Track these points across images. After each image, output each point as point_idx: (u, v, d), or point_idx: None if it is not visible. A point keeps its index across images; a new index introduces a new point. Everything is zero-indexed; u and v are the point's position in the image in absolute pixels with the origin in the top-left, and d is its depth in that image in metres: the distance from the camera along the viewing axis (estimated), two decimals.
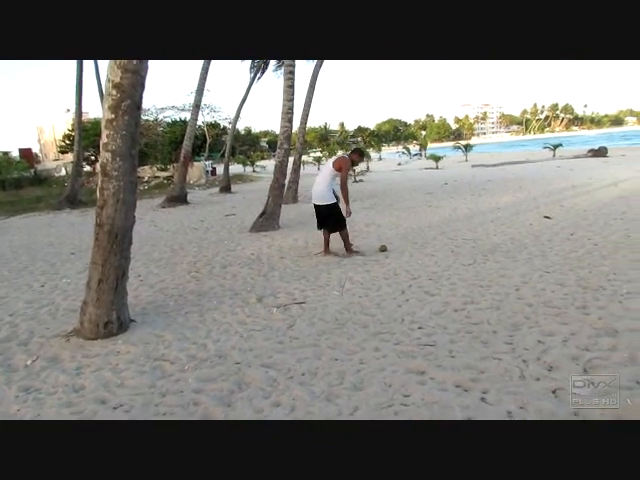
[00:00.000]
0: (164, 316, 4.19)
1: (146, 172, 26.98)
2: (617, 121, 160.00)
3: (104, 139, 3.46)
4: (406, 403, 2.53)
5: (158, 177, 26.68)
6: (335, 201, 5.94)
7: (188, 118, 19.28)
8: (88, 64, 16.07)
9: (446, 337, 3.36)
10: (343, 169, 5.77)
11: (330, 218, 5.93)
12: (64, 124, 56.44)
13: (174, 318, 4.12)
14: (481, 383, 2.68)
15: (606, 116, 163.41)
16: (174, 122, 34.76)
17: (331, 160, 6.02)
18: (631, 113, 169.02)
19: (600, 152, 26.15)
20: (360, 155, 6.22)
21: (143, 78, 3.49)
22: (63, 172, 31.05)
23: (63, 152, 42.37)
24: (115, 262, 3.62)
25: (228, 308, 4.31)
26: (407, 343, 3.31)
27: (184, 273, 5.78)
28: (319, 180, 5.96)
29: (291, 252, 6.63)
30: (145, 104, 3.65)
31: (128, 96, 3.39)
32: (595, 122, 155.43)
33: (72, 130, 29.69)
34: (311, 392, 2.70)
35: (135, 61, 3.35)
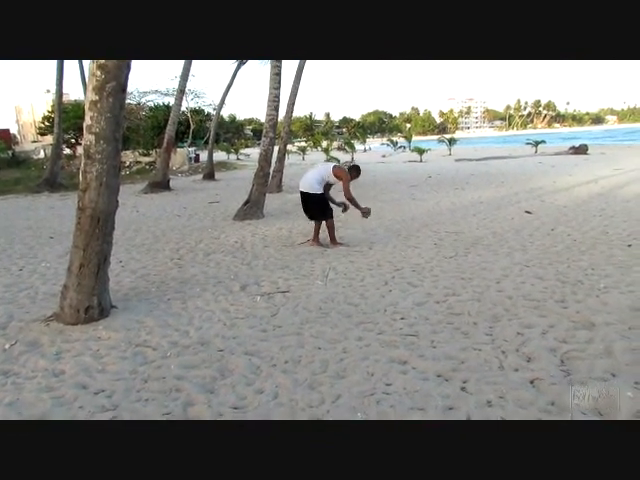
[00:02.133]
0: (146, 302, 4.15)
1: (128, 157, 26.46)
2: (598, 119, 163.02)
3: (88, 121, 3.38)
4: (388, 392, 2.56)
5: (140, 162, 26.23)
6: (322, 192, 6.00)
7: (172, 103, 19.00)
8: None
9: (428, 328, 3.41)
10: (344, 180, 5.84)
11: (315, 206, 6.02)
12: (44, 105, 54.82)
13: (156, 305, 4.08)
14: (461, 373, 2.73)
15: (587, 114, 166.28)
16: (157, 107, 34.13)
17: (330, 165, 6.25)
18: (611, 112, 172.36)
19: (581, 150, 26.60)
20: (357, 172, 6.21)
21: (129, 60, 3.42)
22: (42, 154, 30.26)
23: (42, 134, 41.34)
24: (97, 247, 3.56)
25: (211, 296, 4.29)
26: (390, 333, 3.35)
27: (167, 260, 5.73)
28: (310, 174, 6.05)
29: (275, 241, 6.61)
30: (128, 87, 3.56)
31: (113, 77, 3.31)
32: (577, 120, 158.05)
33: (52, 112, 28.97)
34: (294, 380, 2.72)
35: None
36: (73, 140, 29.65)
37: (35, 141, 48.20)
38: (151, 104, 34.03)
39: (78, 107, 25.97)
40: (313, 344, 3.21)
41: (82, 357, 3.06)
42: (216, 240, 6.86)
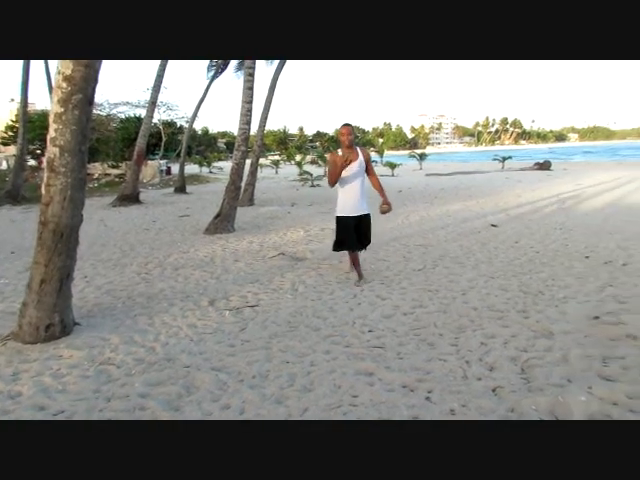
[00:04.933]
0: (111, 319, 4.06)
1: (96, 169, 25.91)
2: (561, 137, 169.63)
3: (52, 133, 3.32)
4: (355, 403, 2.58)
5: (109, 174, 25.72)
6: None
7: (143, 115, 18.74)
8: None
9: (395, 340, 3.46)
10: (370, 161, 4.83)
11: (369, 228, 4.93)
12: (7, 114, 53.34)
13: (122, 321, 4.00)
14: (426, 383, 2.78)
15: (551, 131, 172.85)
16: (128, 118, 33.71)
17: (360, 154, 4.73)
18: (573, 130, 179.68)
19: (545, 165, 27.63)
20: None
21: (97, 72, 3.38)
22: (4, 165, 29.30)
23: (5, 144, 40.05)
24: (59, 262, 3.47)
25: (179, 311, 4.23)
26: (357, 345, 3.38)
27: (134, 274, 5.62)
28: (358, 184, 4.71)
29: (245, 255, 6.58)
30: (98, 98, 3.53)
31: (79, 90, 3.27)
32: (541, 137, 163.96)
33: (16, 121, 28.18)
34: (261, 394, 2.70)
35: None
36: (39, 151, 28.88)
37: None
38: (122, 116, 33.57)
39: (44, 117, 25.32)
40: (281, 358, 3.21)
41: (41, 377, 2.95)
42: (185, 254, 6.78)
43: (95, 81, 3.42)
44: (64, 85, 3.27)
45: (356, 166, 4.63)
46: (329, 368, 3.02)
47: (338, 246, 4.88)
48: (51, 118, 3.35)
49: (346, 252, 5.16)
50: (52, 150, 3.34)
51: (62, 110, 3.30)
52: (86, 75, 3.30)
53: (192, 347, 3.42)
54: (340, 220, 4.77)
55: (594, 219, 8.71)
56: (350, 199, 4.70)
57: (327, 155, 27.98)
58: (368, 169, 4.79)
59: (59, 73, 3.29)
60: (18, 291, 4.79)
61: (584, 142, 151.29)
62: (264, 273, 5.51)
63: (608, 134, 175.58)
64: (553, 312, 3.90)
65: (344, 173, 4.60)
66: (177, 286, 5.07)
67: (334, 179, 4.66)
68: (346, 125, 4.67)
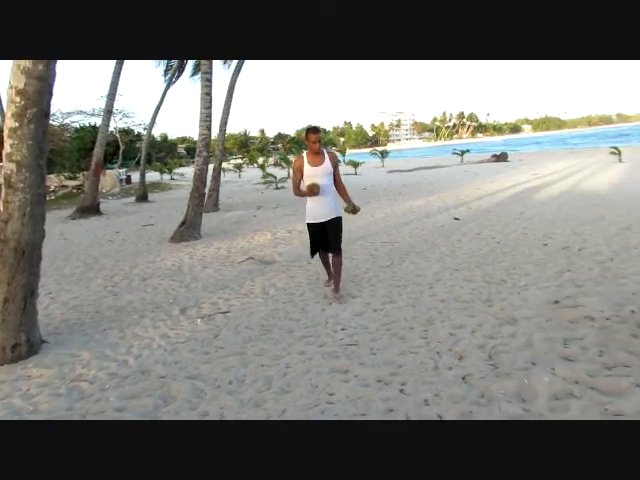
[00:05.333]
0: (80, 334, 3.98)
1: (52, 181, 25.01)
2: (515, 128, 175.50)
3: (7, 149, 3.24)
4: (331, 401, 2.64)
5: (66, 186, 24.90)
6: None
7: (98, 124, 18.28)
8: None
9: (367, 336, 3.54)
10: (337, 167, 4.52)
11: (340, 231, 4.59)
12: None
13: (91, 336, 3.92)
14: (400, 376, 2.87)
15: (506, 124, 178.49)
16: (82, 127, 32.80)
17: (326, 158, 4.38)
18: (527, 121, 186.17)
19: (502, 157, 28.56)
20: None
21: (51, 85, 3.31)
22: None
23: None
24: (22, 280, 3.39)
25: (150, 322, 4.18)
26: (331, 344, 3.44)
27: (100, 288, 5.51)
28: (324, 189, 4.33)
29: (214, 261, 6.55)
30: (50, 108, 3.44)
31: (34, 103, 3.20)
32: (497, 129, 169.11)
33: None
34: (239, 400, 2.73)
35: (42, 66, 3.18)
36: None
37: None
38: (76, 125, 32.62)
39: None
40: (257, 362, 3.24)
41: (10, 399, 2.87)
42: (152, 264, 6.68)
43: (50, 94, 3.35)
44: (17, 99, 3.20)
45: (322, 171, 4.33)
46: (305, 368, 3.07)
47: (312, 251, 4.69)
48: (6, 133, 3.26)
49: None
50: (9, 166, 3.26)
51: (17, 125, 3.22)
52: (40, 88, 3.23)
53: (166, 357, 3.40)
54: (309, 227, 4.58)
55: (550, 207, 9.09)
56: (317, 205, 4.40)
57: (291, 158, 27.94)
58: (335, 175, 4.44)
59: (11, 87, 3.21)
60: None
61: (537, 133, 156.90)
62: (234, 278, 5.51)
63: (559, 124, 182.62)
64: (516, 299, 4.07)
65: (310, 178, 4.30)
66: (146, 297, 5.00)
67: (296, 192, 4.44)
68: (314, 131, 4.26)
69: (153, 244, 8.43)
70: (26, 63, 3.14)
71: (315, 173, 4.33)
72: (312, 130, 4.29)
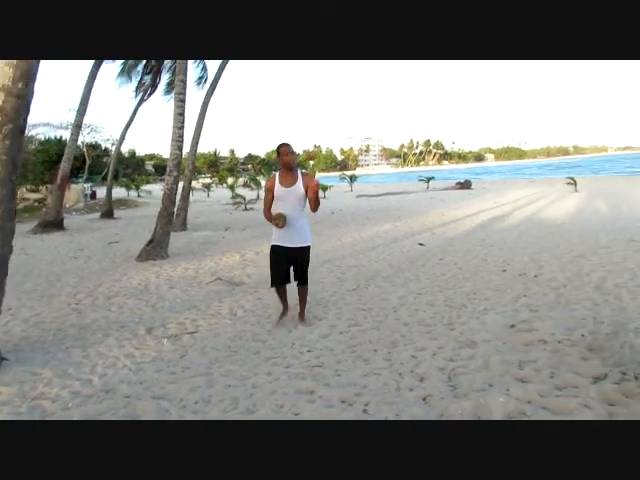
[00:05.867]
0: (41, 352, 3.91)
1: None
2: (479, 157, 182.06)
3: None
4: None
5: (27, 199, 24.22)
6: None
7: (65, 137, 18.00)
8: None
9: (333, 358, 3.63)
10: (315, 185, 4.06)
11: (307, 261, 4.42)
12: None
13: (53, 354, 3.86)
14: (363, 397, 2.96)
15: (470, 152, 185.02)
16: (48, 140, 32.13)
17: (299, 180, 4.14)
18: (490, 150, 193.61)
19: (466, 185, 29.55)
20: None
21: (29, 103, 3.34)
22: None
23: None
24: None
25: (114, 341, 4.14)
26: (297, 366, 3.51)
27: (63, 305, 5.40)
28: (294, 214, 4.13)
29: (181, 281, 6.52)
30: None
31: (10, 120, 3.22)
32: (462, 157, 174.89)
33: None
34: (205, 420, 2.76)
35: (21, 85, 3.20)
36: None
37: None
38: (41, 137, 31.90)
39: None
40: (223, 382, 3.27)
41: None
42: (118, 282, 6.59)
43: (27, 111, 3.38)
44: None
45: (293, 194, 4.10)
46: (271, 389, 3.13)
47: (273, 280, 4.36)
48: None
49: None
50: None
51: None
52: (17, 105, 3.26)
53: (131, 377, 3.39)
54: (272, 250, 4.29)
55: (510, 235, 9.50)
56: (286, 228, 4.12)
57: (261, 179, 27.86)
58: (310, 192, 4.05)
59: None
60: None
61: (499, 162, 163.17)
62: (201, 299, 5.51)
63: (520, 154, 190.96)
64: (475, 323, 4.26)
65: (280, 200, 4.12)
66: (111, 316, 4.94)
67: (266, 214, 4.24)
68: (286, 145, 4.12)
69: (119, 262, 8.30)
70: (6, 81, 3.16)
71: (285, 195, 4.10)
72: (284, 144, 4.14)
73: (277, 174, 4.21)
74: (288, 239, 4.20)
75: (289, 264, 4.28)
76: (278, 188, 4.13)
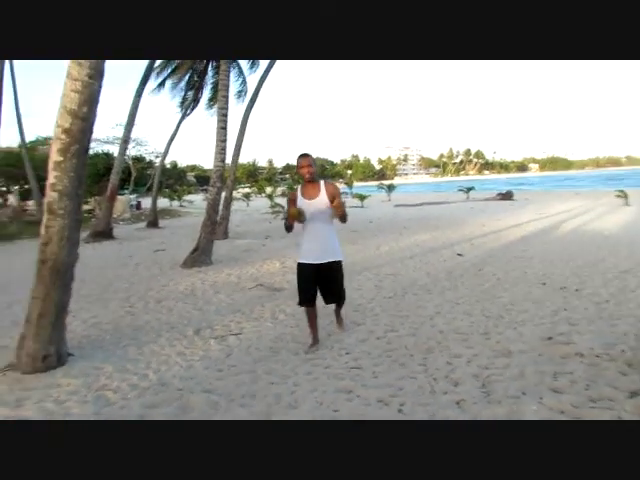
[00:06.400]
0: (101, 350, 4.27)
1: None
2: (522, 167, 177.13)
3: (51, 179, 3.61)
4: (336, 417, 2.89)
5: None
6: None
7: (111, 151, 18.96)
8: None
9: (370, 361, 3.79)
10: (338, 195, 3.90)
11: (341, 279, 4.16)
12: None
13: (112, 351, 4.21)
14: (399, 398, 3.11)
15: (513, 162, 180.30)
16: (96, 154, 33.86)
17: (322, 191, 3.92)
18: (534, 161, 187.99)
19: (507, 196, 28.93)
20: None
21: (92, 125, 3.73)
22: None
23: None
24: (56, 297, 3.72)
25: (166, 341, 4.46)
26: (336, 367, 3.70)
27: (117, 308, 5.81)
28: (318, 225, 3.93)
29: (225, 287, 6.84)
30: None
31: (77, 141, 3.60)
32: (503, 167, 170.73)
33: None
34: (251, 412, 2.98)
35: (85, 109, 3.59)
36: (4, 188, 28.50)
37: None
38: (90, 152, 33.64)
39: (10, 155, 25.20)
40: (266, 380, 3.50)
41: (43, 404, 3.15)
42: (166, 287, 6.98)
43: (90, 132, 3.76)
44: (63, 137, 3.59)
45: (316, 207, 3.87)
46: (311, 387, 3.33)
47: (301, 299, 4.10)
48: (50, 165, 3.64)
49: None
50: (51, 195, 3.63)
51: (61, 159, 3.61)
52: (83, 127, 3.64)
53: (182, 373, 3.68)
54: (298, 268, 4.04)
55: (552, 247, 9.35)
56: (310, 243, 3.95)
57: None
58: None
59: (58, 126, 3.62)
60: (4, 327, 4.96)
61: (544, 172, 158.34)
62: (245, 303, 5.80)
63: (566, 164, 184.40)
64: (512, 334, 4.29)
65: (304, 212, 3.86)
66: (162, 317, 5.30)
67: (289, 224, 3.93)
68: (304, 155, 3.89)
69: (166, 269, 8.74)
70: (73, 105, 3.55)
71: (308, 207, 3.86)
72: (302, 155, 3.91)
73: (299, 186, 4.10)
74: (312, 254, 3.97)
75: (316, 282, 4.03)
76: (300, 200, 3.93)
